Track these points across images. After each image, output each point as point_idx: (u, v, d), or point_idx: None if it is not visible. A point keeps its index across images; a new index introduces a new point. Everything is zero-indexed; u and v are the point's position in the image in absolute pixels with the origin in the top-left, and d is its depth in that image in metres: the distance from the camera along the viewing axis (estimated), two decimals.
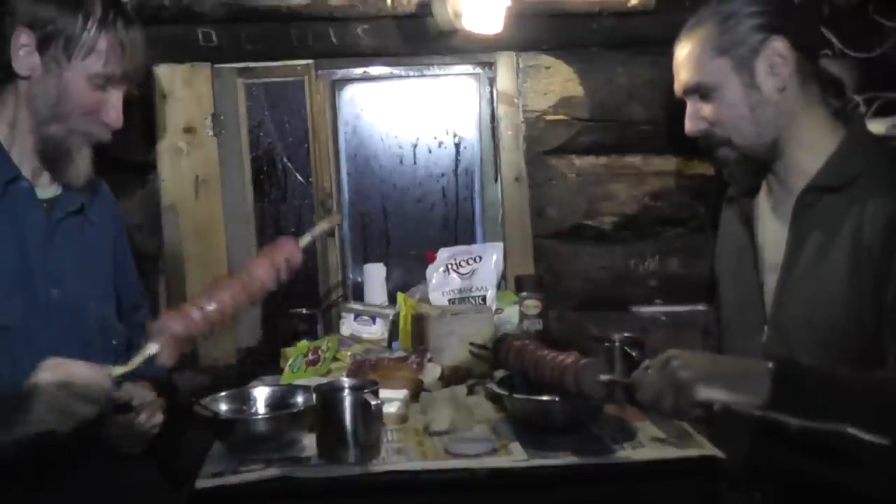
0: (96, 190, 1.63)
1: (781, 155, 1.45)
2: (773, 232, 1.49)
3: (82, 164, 1.50)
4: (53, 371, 1.24)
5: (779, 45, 1.40)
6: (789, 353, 1.35)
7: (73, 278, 1.50)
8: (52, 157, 1.48)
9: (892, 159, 1.40)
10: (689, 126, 1.50)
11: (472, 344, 1.77)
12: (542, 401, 1.47)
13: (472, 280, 2.19)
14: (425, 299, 2.17)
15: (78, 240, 1.54)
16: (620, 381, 1.39)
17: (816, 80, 1.44)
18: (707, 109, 1.47)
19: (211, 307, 1.34)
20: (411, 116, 2.34)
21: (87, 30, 1.43)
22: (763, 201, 1.54)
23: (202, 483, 1.34)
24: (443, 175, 2.36)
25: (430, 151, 2.35)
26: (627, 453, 1.38)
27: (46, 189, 1.51)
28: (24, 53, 1.42)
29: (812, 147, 1.42)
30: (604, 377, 1.37)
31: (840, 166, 1.38)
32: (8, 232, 1.42)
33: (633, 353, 1.63)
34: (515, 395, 1.51)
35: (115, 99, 1.49)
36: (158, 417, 1.55)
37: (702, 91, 1.46)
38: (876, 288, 1.28)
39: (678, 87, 1.52)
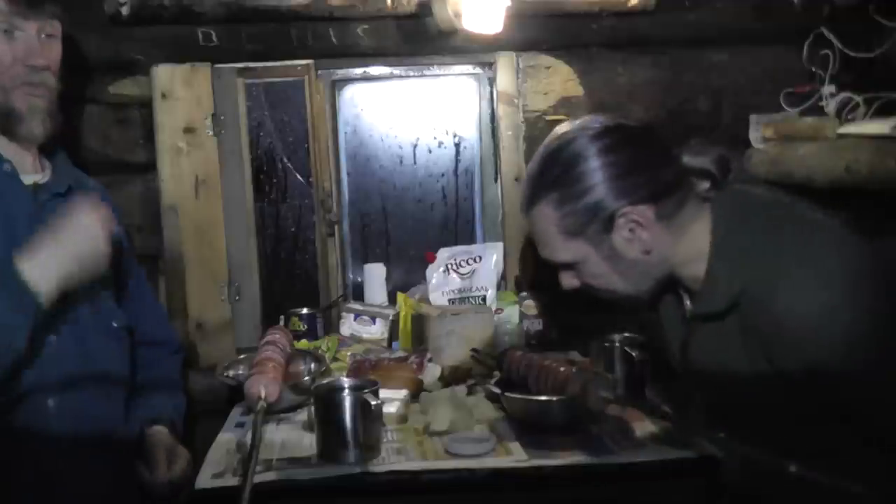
0: (82, 181, 1.65)
1: (674, 277, 1.33)
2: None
3: (34, 121, 1.49)
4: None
5: (632, 213, 1.25)
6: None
7: None
8: (2, 121, 1.48)
9: (774, 261, 1.17)
10: (563, 285, 1.38)
11: (474, 350, 1.77)
12: (541, 401, 1.47)
13: (472, 280, 2.19)
14: (425, 299, 2.17)
15: None
16: (626, 399, 1.37)
17: (682, 204, 1.27)
18: (577, 276, 1.35)
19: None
20: (411, 116, 2.33)
21: None
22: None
23: (202, 483, 1.34)
24: (443, 175, 2.36)
25: (430, 151, 2.35)
26: (627, 453, 1.38)
27: (31, 175, 1.52)
28: None
29: (696, 259, 1.27)
30: (608, 395, 1.36)
31: (714, 291, 1.24)
32: None
33: (633, 353, 1.63)
34: (514, 395, 1.51)
35: (27, 37, 1.47)
36: (189, 471, 1.56)
37: (564, 266, 1.35)
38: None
39: (541, 254, 1.38)
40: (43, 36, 1.49)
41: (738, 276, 1.20)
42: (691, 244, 1.27)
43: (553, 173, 1.29)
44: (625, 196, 1.25)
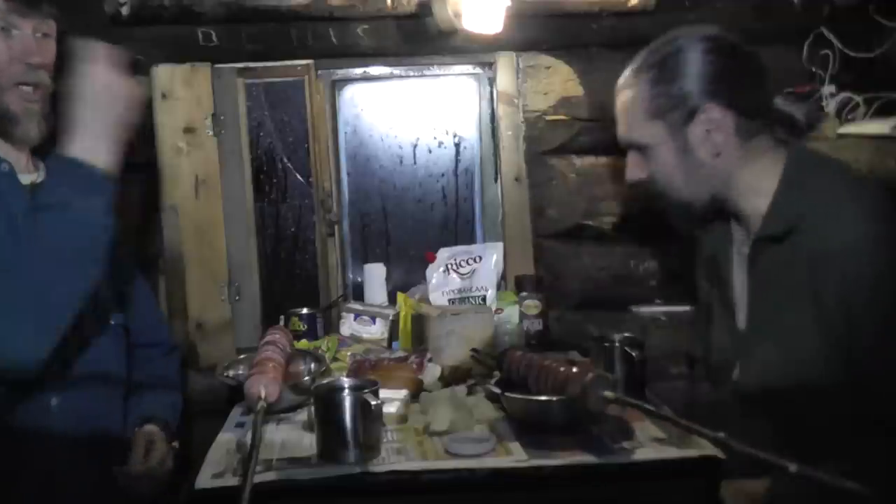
0: None
1: (725, 204, 1.42)
2: (738, 272, 1.46)
3: (30, 122, 1.49)
4: None
5: (714, 112, 1.36)
6: (758, 392, 1.36)
7: None
8: None
9: (834, 195, 1.30)
10: (628, 175, 1.49)
11: (474, 350, 1.77)
12: (541, 401, 1.47)
13: (472, 280, 2.19)
14: (425, 299, 2.17)
15: None
16: (626, 399, 1.37)
17: (760, 133, 1.38)
18: (644, 162, 1.45)
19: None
20: (411, 116, 2.34)
21: None
22: (734, 236, 1.49)
23: (202, 483, 1.34)
24: (443, 175, 2.36)
25: (430, 151, 2.35)
26: (627, 453, 1.38)
27: (27, 175, 1.53)
28: None
29: (758, 192, 1.37)
30: (608, 395, 1.36)
31: (778, 215, 1.33)
32: None
33: (633, 353, 1.63)
34: (514, 395, 1.51)
35: (24, 36, 1.46)
36: (169, 463, 1.59)
37: (636, 147, 1.45)
38: (839, 342, 1.24)
39: (618, 136, 1.50)
40: (39, 35, 1.49)
41: (800, 206, 1.31)
42: (756, 176, 1.37)
43: (656, 56, 1.41)
44: (713, 96, 1.36)
